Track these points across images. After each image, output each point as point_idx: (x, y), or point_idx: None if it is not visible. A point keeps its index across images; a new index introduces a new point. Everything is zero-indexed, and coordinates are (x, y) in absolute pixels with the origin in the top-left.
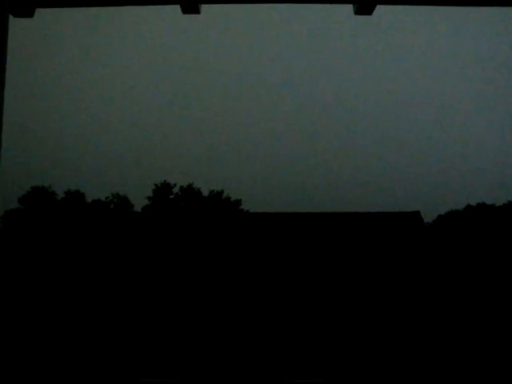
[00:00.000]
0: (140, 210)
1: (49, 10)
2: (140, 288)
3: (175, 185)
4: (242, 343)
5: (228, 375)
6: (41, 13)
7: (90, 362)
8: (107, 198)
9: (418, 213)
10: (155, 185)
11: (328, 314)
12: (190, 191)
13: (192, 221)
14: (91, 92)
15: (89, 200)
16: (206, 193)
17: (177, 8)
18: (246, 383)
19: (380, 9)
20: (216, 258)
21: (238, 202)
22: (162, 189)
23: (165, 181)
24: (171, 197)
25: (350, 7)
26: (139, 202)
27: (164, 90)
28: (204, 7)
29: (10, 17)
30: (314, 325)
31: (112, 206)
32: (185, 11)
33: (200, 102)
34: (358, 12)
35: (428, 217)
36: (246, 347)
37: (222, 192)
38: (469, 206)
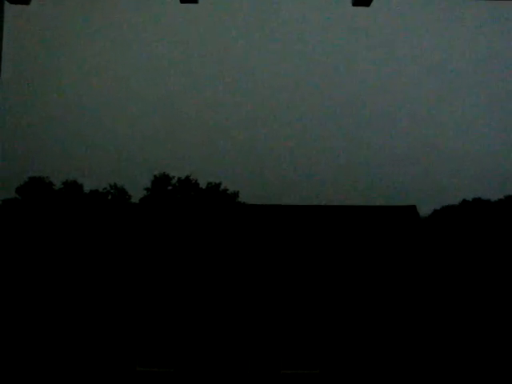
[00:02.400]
0: (138, 201)
1: None
2: (137, 279)
3: (173, 177)
4: (238, 333)
5: (223, 365)
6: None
7: (87, 351)
8: (105, 188)
9: (413, 207)
10: (154, 175)
11: (323, 306)
12: (187, 183)
13: (189, 213)
14: (89, 82)
15: (86, 191)
16: (203, 185)
17: None
18: (242, 373)
19: (378, 0)
20: (213, 249)
21: (236, 194)
22: (160, 180)
23: (164, 172)
24: (169, 188)
25: None
26: (137, 193)
27: (162, 81)
28: None
29: (6, 3)
30: (309, 316)
31: (109, 197)
32: (183, 0)
33: (198, 93)
34: (355, 3)
35: (424, 211)
36: (241, 337)
37: (219, 184)
38: (464, 201)
